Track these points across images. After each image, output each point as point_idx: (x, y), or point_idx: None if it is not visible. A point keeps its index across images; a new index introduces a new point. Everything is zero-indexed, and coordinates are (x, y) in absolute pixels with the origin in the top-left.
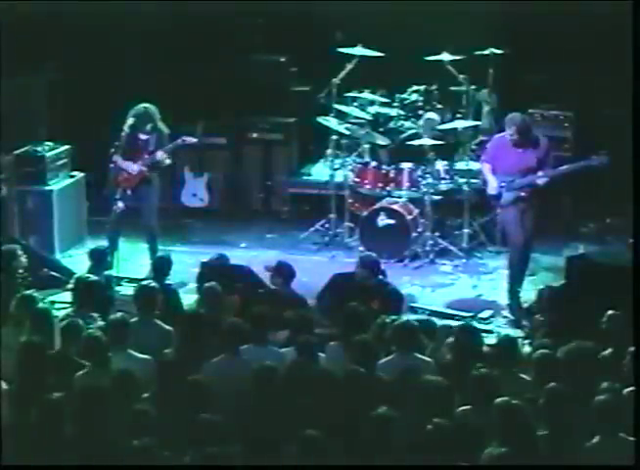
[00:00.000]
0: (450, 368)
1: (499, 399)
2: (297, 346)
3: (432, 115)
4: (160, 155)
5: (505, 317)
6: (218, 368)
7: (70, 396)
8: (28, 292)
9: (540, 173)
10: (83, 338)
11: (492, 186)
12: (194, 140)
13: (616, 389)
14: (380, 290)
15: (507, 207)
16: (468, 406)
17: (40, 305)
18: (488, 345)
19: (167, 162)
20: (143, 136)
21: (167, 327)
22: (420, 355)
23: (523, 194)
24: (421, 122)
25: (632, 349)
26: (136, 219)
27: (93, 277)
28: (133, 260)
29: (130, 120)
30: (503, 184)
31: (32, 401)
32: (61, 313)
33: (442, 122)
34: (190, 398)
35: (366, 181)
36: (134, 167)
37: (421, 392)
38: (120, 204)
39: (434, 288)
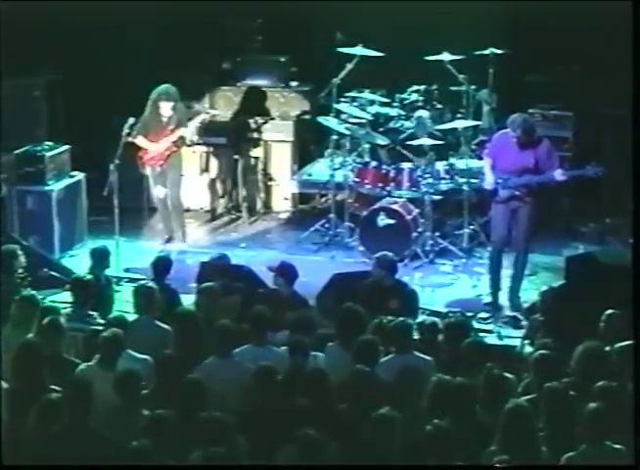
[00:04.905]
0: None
1: (511, 401)
2: (289, 346)
3: (422, 112)
4: (188, 129)
5: (505, 317)
6: (210, 370)
7: (70, 395)
8: (31, 292)
9: (536, 178)
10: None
11: (489, 181)
12: (216, 112)
13: (612, 389)
14: (398, 290)
15: (500, 203)
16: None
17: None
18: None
19: (195, 138)
20: (165, 114)
21: (166, 327)
22: (420, 354)
23: (517, 193)
24: (413, 121)
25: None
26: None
27: (89, 276)
28: (134, 261)
29: (152, 101)
30: (499, 181)
31: (31, 402)
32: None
33: (441, 121)
34: (186, 397)
35: (366, 181)
36: (160, 144)
37: (423, 390)
38: (161, 188)
39: (434, 288)
